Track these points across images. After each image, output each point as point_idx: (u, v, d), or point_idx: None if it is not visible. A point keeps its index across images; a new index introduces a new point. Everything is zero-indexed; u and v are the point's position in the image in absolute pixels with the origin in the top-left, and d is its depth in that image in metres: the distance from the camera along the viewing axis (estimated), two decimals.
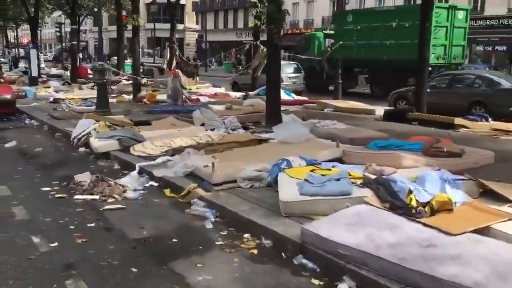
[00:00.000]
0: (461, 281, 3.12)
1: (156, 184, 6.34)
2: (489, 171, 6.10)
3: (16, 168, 7.26)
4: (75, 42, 23.26)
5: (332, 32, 24.06)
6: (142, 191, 6.05)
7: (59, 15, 41.24)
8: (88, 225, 4.87)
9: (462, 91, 13.73)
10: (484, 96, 12.95)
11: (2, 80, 13.91)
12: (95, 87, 18.66)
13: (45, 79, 22.38)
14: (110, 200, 5.70)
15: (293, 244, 4.20)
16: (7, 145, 9.01)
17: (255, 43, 18.34)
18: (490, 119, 11.21)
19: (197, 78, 21.22)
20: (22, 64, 35.77)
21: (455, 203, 4.30)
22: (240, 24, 50.68)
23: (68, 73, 28.30)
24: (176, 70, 18.95)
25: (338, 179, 4.97)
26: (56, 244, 4.33)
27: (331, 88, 20.10)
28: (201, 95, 16.93)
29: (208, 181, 5.90)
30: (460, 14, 19.84)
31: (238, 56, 41.74)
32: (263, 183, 5.81)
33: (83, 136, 8.80)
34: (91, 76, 24.72)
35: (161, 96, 15.26)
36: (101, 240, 4.48)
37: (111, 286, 3.60)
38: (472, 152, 6.69)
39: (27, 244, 4.34)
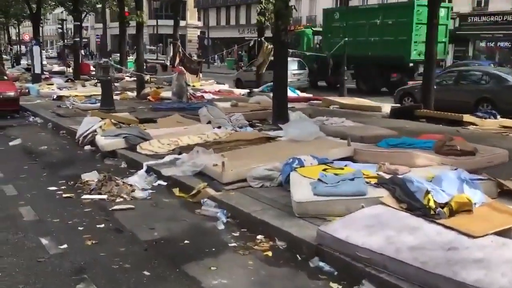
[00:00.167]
0: (486, 286, 3.01)
1: (164, 183, 6.24)
2: (504, 170, 5.99)
3: (21, 166, 7.17)
4: (78, 39, 23.10)
5: (320, 29, 24.45)
6: (151, 191, 5.95)
7: (61, 12, 41.05)
8: (98, 226, 4.77)
9: (469, 88, 13.57)
10: (492, 93, 12.80)
11: (5, 78, 13.74)
12: (98, 84, 18.66)
13: (47, 76, 22.28)
14: (118, 200, 5.60)
15: (308, 246, 4.10)
16: (11, 143, 8.92)
17: (259, 39, 18.19)
18: (498, 116, 11.08)
19: (201, 75, 21.10)
20: (24, 61, 35.70)
21: (475, 203, 4.19)
22: (242, 21, 50.47)
23: (70, 70, 28.24)
24: (179, 67, 18.87)
25: (352, 179, 4.86)
26: (65, 246, 4.24)
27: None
28: (205, 92, 16.78)
29: (218, 180, 5.80)
30: (442, 12, 19.67)
31: (240, 52, 41.54)
32: (274, 183, 5.70)
33: (89, 134, 8.71)
34: (93, 73, 24.77)
35: (166, 93, 15.16)
36: (111, 242, 4.39)
37: None
38: (485, 150, 6.57)
39: (36, 246, 4.24)
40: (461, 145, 6.28)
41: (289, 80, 17.17)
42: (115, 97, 13.70)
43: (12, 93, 12.26)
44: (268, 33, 20.60)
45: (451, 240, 3.62)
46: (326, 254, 3.90)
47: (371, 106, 13.54)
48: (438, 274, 3.19)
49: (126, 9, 22.71)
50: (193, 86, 18.61)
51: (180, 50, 20.20)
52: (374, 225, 3.95)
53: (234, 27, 51.24)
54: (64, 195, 5.73)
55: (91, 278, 3.66)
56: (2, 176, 6.60)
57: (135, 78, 23.06)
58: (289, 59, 20.63)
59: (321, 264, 3.86)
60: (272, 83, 17.42)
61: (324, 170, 5.48)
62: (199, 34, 55.82)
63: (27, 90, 16.41)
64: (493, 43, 30.64)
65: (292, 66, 20.22)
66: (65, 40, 42.43)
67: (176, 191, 5.91)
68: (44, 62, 28.22)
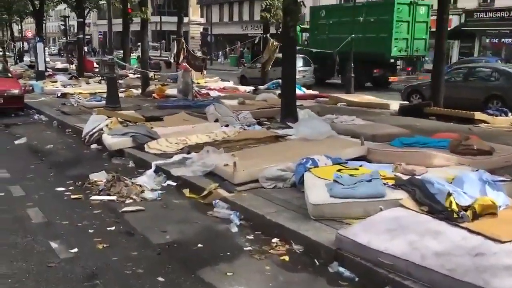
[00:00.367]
0: None
1: (174, 184, 6.11)
2: None
3: (28, 166, 7.05)
4: (81, 36, 22.94)
5: (308, 26, 25.04)
6: (160, 191, 5.82)
7: (64, 8, 40.93)
8: (108, 228, 4.65)
9: (478, 84, 13.39)
10: (502, 90, 12.62)
11: (9, 75, 13.62)
12: (103, 81, 18.53)
13: (50, 73, 22.15)
14: (128, 201, 5.48)
15: (326, 250, 3.97)
16: (17, 141, 8.80)
17: (264, 36, 18.01)
18: (510, 113, 10.92)
19: (205, 72, 20.94)
20: (27, 58, 35.55)
21: (499, 206, 4.05)
22: (246, 17, 50.21)
23: (73, 67, 28.09)
24: (184, 64, 18.72)
25: (369, 180, 4.72)
26: (76, 250, 4.12)
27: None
28: (210, 89, 16.67)
29: (229, 181, 5.67)
30: (422, 10, 20.77)
31: (242, 49, 41.35)
32: (287, 183, 5.57)
33: (95, 132, 8.58)
34: (97, 70, 24.63)
35: (171, 91, 15.02)
36: (123, 245, 4.26)
37: None
38: (502, 149, 6.42)
39: (45, 250, 4.12)
40: (478, 144, 6.13)
41: None
42: (119, 94, 13.55)
43: (16, 91, 12.12)
44: (272, 30, 20.66)
45: (477, 245, 3.49)
46: (346, 259, 3.78)
47: (379, 104, 13.37)
48: (467, 282, 3.06)
49: (128, 5, 22.52)
50: (197, 83, 18.48)
51: (184, 46, 20.04)
52: (395, 229, 3.81)
53: (237, 23, 51.00)
54: (73, 196, 5.61)
55: (104, 284, 3.54)
56: (9, 176, 6.48)
57: (139, 75, 23.02)
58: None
59: (341, 269, 3.73)
60: (277, 80, 17.49)
61: (339, 170, 5.35)
62: (201, 30, 55.62)
63: (31, 88, 16.29)
64: (497, 39, 30.40)
65: (298, 63, 20.06)
66: (68, 37, 42.23)
67: (186, 191, 5.78)
68: (47, 59, 28.10)
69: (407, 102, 13.93)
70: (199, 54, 29.82)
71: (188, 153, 7.10)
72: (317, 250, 4.04)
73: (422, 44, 21.48)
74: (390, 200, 4.45)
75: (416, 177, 4.83)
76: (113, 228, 4.67)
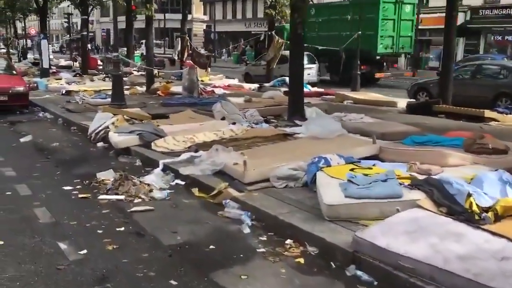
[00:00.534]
0: None
1: (182, 183, 6.00)
2: None
3: (34, 164, 6.95)
4: (85, 33, 22.84)
5: None
6: (169, 191, 5.71)
7: (68, 6, 40.79)
8: (117, 229, 4.55)
9: (487, 82, 13.24)
10: (511, 87, 12.46)
11: (14, 72, 13.53)
12: (107, 79, 18.43)
13: (54, 70, 22.08)
14: (136, 200, 5.38)
15: (343, 252, 3.86)
16: (22, 139, 8.71)
17: (269, 33, 17.86)
18: None
19: (209, 69, 20.81)
20: (30, 55, 35.52)
21: None
22: (249, 14, 50.03)
23: (76, 64, 28.02)
24: (189, 61, 18.59)
25: (385, 180, 4.60)
26: (85, 251, 4.01)
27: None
28: (215, 86, 16.55)
29: (239, 180, 5.56)
30: (408, 8, 21.49)
31: (244, 46, 41.20)
32: (298, 183, 5.46)
33: (101, 130, 8.49)
34: (101, 67, 24.53)
35: (176, 88, 14.92)
36: (133, 246, 4.16)
37: None
38: None
39: (54, 252, 4.02)
40: (493, 143, 5.99)
41: None
42: (124, 92, 13.45)
43: (21, 88, 12.03)
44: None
45: (501, 248, 3.36)
46: (364, 262, 3.66)
47: (386, 101, 13.23)
48: None
49: (132, 2, 22.38)
50: (202, 80, 18.36)
51: (189, 44, 19.91)
52: (415, 231, 3.69)
53: (241, 20, 50.81)
54: (80, 195, 5.50)
55: None
56: (15, 175, 6.38)
57: (143, 73, 22.91)
58: None
59: (359, 273, 3.62)
60: (282, 77, 17.37)
61: (352, 170, 5.23)
62: (204, 28, 55.45)
63: (35, 85, 16.20)
64: (501, 36, 30.18)
65: None
66: (71, 34, 42.16)
67: (195, 191, 5.67)
68: (51, 57, 28.04)
69: (414, 100, 13.77)
70: (202, 51, 29.69)
71: (196, 151, 6.98)
72: (333, 253, 3.93)
73: (408, 41, 22.14)
74: (407, 201, 4.33)
75: (433, 177, 4.71)
76: (123, 228, 4.56)
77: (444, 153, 5.65)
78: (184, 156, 6.78)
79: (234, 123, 8.93)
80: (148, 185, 5.82)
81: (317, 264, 3.85)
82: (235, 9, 52.99)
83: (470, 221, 3.79)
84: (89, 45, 33.78)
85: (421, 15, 29.19)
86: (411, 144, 6.52)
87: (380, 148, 6.32)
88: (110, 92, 12.51)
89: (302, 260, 3.91)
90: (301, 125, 8.88)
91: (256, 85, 17.57)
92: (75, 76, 19.78)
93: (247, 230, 4.53)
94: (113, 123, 8.58)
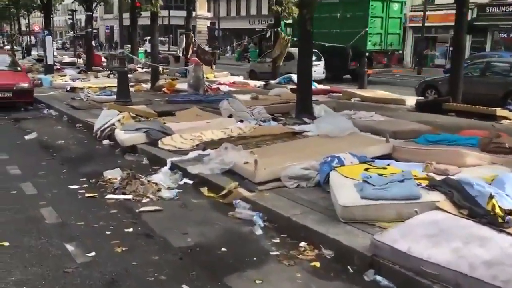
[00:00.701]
0: None
1: (190, 182, 5.87)
2: None
3: (39, 162, 6.83)
4: (90, 29, 22.71)
5: (291, 21, 25.88)
6: (177, 190, 5.58)
7: (72, 2, 40.72)
8: (126, 230, 4.42)
9: (496, 80, 13.03)
10: None
11: (19, 69, 13.41)
12: (111, 76, 18.31)
13: (58, 67, 21.97)
14: (144, 200, 5.25)
15: (360, 256, 3.71)
16: (27, 137, 8.59)
17: (275, 30, 17.68)
18: None
19: (214, 66, 20.67)
20: (34, 52, 35.44)
21: None
22: (253, 11, 49.79)
23: (81, 61, 27.90)
24: (194, 58, 18.46)
25: (402, 181, 4.44)
26: (93, 253, 3.88)
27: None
28: (220, 83, 16.40)
29: (249, 179, 5.42)
30: (396, 6, 22.24)
31: (247, 44, 41.02)
32: (310, 183, 5.32)
33: (107, 128, 8.36)
34: (105, 64, 24.40)
35: (181, 85, 14.78)
36: (142, 248, 4.03)
37: None
38: None
39: (61, 254, 3.89)
40: (510, 142, 5.83)
41: None
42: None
43: (26, 85, 11.91)
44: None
45: None
46: (383, 266, 3.52)
47: (394, 99, 13.05)
48: None
49: None
50: (207, 77, 18.22)
51: (194, 40, 19.76)
52: (436, 234, 3.54)
53: (245, 17, 50.60)
54: (87, 195, 5.38)
55: None
56: (20, 174, 6.26)
57: (147, 69, 22.77)
58: None
59: (378, 278, 3.48)
60: (288, 74, 17.20)
61: (366, 169, 5.08)
62: (208, 25, 55.27)
63: (39, 82, 16.09)
64: (506, 34, 29.88)
65: None
66: (75, 31, 42.06)
67: (204, 190, 5.54)
68: (55, 53, 27.94)
69: (423, 98, 13.58)
70: (207, 48, 29.54)
71: (204, 149, 6.86)
72: (350, 256, 3.79)
73: (396, 38, 22.87)
74: (425, 202, 4.19)
75: (451, 177, 4.56)
76: (131, 229, 4.43)
77: (461, 152, 5.49)
78: (192, 154, 6.66)
79: (241, 121, 8.80)
80: (156, 184, 5.69)
81: (333, 268, 3.72)
82: (239, 6, 52.77)
83: (493, 224, 3.65)
84: (92, 42, 33.68)
85: (427, 12, 28.96)
86: (425, 143, 6.37)
87: (394, 147, 6.16)
88: (115, 89, 12.39)
89: (317, 264, 3.77)
90: (309, 123, 8.75)
91: (261, 82, 17.42)
92: (79, 73, 19.66)
93: (259, 232, 4.40)
94: (119, 121, 8.44)
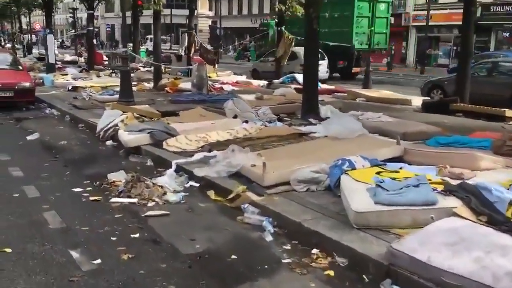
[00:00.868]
0: None
1: (196, 185, 5.74)
2: None
3: (42, 164, 6.70)
4: (91, 28, 22.56)
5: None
6: (183, 193, 5.44)
7: (73, 0, 40.57)
8: (132, 235, 4.28)
9: (503, 80, 12.85)
10: None
11: (20, 67, 13.27)
12: (113, 74, 18.18)
13: (60, 65, 21.83)
14: (150, 204, 5.12)
15: (376, 265, 3.58)
16: (29, 137, 8.46)
17: (279, 29, 17.53)
18: None
19: (217, 65, 20.52)
20: (35, 50, 35.29)
21: None
22: (255, 10, 49.65)
23: (82, 59, 27.77)
24: (196, 57, 18.33)
25: (417, 185, 4.31)
26: (99, 261, 3.75)
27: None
28: (223, 83, 16.26)
29: (257, 182, 5.29)
30: (382, 6, 23.04)
31: (248, 43, 40.88)
32: (320, 186, 5.18)
33: (110, 128, 8.23)
34: (106, 62, 24.25)
35: (184, 85, 14.64)
36: (149, 256, 3.89)
37: None
38: None
39: (66, 261, 3.75)
40: None
41: None
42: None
43: (27, 84, 11.77)
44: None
45: None
46: (401, 276, 3.38)
47: (400, 99, 12.90)
48: None
49: None
50: (209, 77, 18.07)
51: (196, 39, 19.62)
52: (456, 242, 3.41)
53: (247, 16, 50.43)
54: (91, 198, 5.24)
55: None
56: (22, 175, 6.13)
57: (149, 68, 22.63)
58: None
59: None
60: (292, 74, 17.06)
61: (378, 173, 4.95)
62: (210, 24, 55.09)
63: (41, 80, 15.96)
64: (509, 33, 29.72)
65: None
66: (76, 30, 41.91)
67: (211, 194, 5.40)
68: (56, 52, 27.79)
69: (429, 98, 13.43)
70: (209, 47, 29.40)
71: (209, 151, 6.73)
72: (365, 265, 3.65)
73: (382, 37, 23.54)
74: (441, 208, 4.05)
75: (468, 182, 4.42)
76: (137, 235, 4.30)
77: (475, 155, 5.33)
78: (198, 156, 6.52)
79: (246, 121, 8.67)
80: (161, 187, 5.56)
81: (348, 277, 3.58)
82: (241, 5, 52.62)
83: None
84: (94, 41, 33.54)
85: (431, 11, 28.81)
86: (436, 145, 6.23)
87: (405, 150, 6.02)
88: (117, 88, 12.26)
89: (331, 273, 3.64)
90: (316, 124, 8.62)
91: (264, 82, 17.28)
92: (81, 71, 19.52)
93: (269, 238, 4.26)
94: (122, 121, 8.32)
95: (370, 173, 4.91)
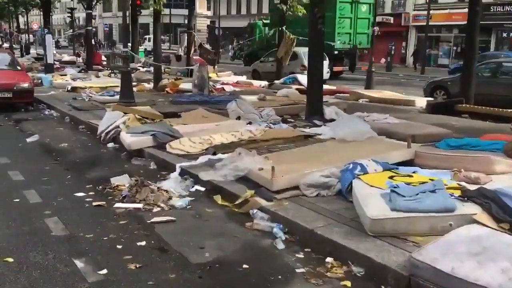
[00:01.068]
0: None
1: (202, 189, 5.58)
2: None
3: (42, 167, 6.53)
4: (90, 28, 22.36)
5: (268, 21, 28.26)
6: (189, 198, 5.28)
7: (70, 0, 40.36)
8: (138, 243, 4.12)
9: (507, 80, 12.72)
10: None
11: (19, 68, 13.07)
12: (112, 75, 18.01)
13: (58, 66, 21.61)
14: (155, 209, 4.95)
15: (395, 275, 3.43)
16: (29, 139, 8.28)
17: (280, 29, 17.38)
18: None
19: (216, 66, 20.36)
20: (33, 50, 35.03)
21: None
22: (254, 10, 49.46)
23: (80, 59, 27.54)
24: (196, 57, 18.14)
25: (433, 191, 4.16)
26: (105, 271, 3.58)
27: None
28: (224, 83, 16.09)
29: (266, 187, 5.13)
30: (364, 7, 23.88)
31: (249, 43, 40.72)
32: (331, 191, 5.03)
33: (112, 130, 8.06)
34: (105, 63, 24.06)
35: (185, 85, 14.47)
36: (158, 265, 3.73)
37: None
38: None
39: (70, 271, 3.59)
40: None
41: None
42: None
43: (26, 84, 11.57)
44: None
45: None
46: None
47: (403, 100, 12.80)
48: None
49: None
50: (209, 77, 17.89)
51: (196, 39, 19.44)
52: (480, 252, 3.26)
53: (245, 16, 50.12)
54: (94, 203, 5.07)
55: None
56: (23, 179, 5.95)
57: (148, 69, 22.44)
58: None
59: None
60: (293, 74, 16.91)
61: (391, 177, 4.81)
62: (208, 23, 54.89)
63: (39, 81, 15.76)
64: (506, 33, 29.63)
65: None
66: (74, 29, 41.67)
67: (218, 198, 5.24)
68: (54, 52, 27.55)
69: (432, 99, 13.29)
70: (208, 47, 29.19)
71: (214, 154, 6.58)
72: (383, 275, 3.50)
73: (364, 37, 24.10)
74: (460, 215, 3.90)
75: (485, 187, 4.27)
76: (144, 243, 4.13)
77: (491, 159, 5.18)
78: (202, 159, 6.38)
79: (250, 123, 8.52)
80: (166, 191, 5.40)
81: None
82: (239, 5, 52.44)
83: None
84: (92, 41, 33.31)
85: (431, 11, 28.69)
86: (446, 148, 6.09)
87: (416, 153, 5.86)
88: (117, 89, 12.09)
89: (349, 283, 3.49)
90: (321, 126, 8.48)
91: (265, 82, 17.12)
92: (80, 72, 19.32)
93: (281, 246, 4.11)
94: (124, 123, 8.15)
95: (382, 178, 4.77)
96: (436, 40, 33.49)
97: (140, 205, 5.03)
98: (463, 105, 10.51)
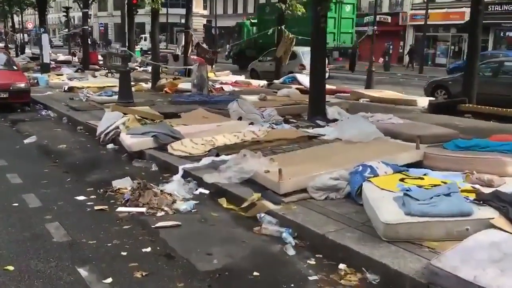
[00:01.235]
0: None
1: (206, 192, 5.44)
2: None
3: (41, 170, 6.36)
4: (87, 27, 22.14)
5: (255, 21, 29.29)
6: (194, 201, 5.14)
7: None
8: (143, 250, 3.97)
9: (508, 80, 12.66)
10: None
11: (15, 68, 12.87)
12: (109, 75, 17.80)
13: (53, 65, 21.37)
14: (159, 213, 4.81)
15: (413, 283, 3.30)
16: (26, 141, 8.10)
17: (278, 28, 17.24)
18: None
19: (214, 65, 20.19)
20: (28, 50, 34.69)
21: None
22: (250, 9, 49.29)
23: (75, 59, 27.29)
24: (195, 56, 18.00)
25: (448, 194, 4.03)
26: (110, 280, 3.44)
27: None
28: (223, 83, 15.95)
29: (272, 190, 4.99)
30: (348, 8, 24.81)
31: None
32: (340, 194, 4.90)
33: (111, 131, 7.90)
34: (101, 62, 23.82)
35: (183, 85, 14.30)
36: (165, 273, 3.58)
37: None
38: None
39: (74, 280, 3.44)
40: None
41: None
42: None
43: (22, 84, 11.37)
44: None
45: None
46: None
47: (404, 100, 12.70)
48: None
49: None
50: (208, 77, 17.72)
51: (193, 39, 19.28)
52: (501, 258, 3.14)
53: (242, 15, 50.01)
54: (96, 208, 4.92)
55: None
56: (22, 183, 5.79)
57: (145, 68, 22.26)
58: (307, 49, 20.22)
59: None
60: (292, 74, 16.78)
61: (401, 180, 4.68)
62: (205, 23, 54.65)
63: (35, 81, 15.55)
64: (503, 32, 29.65)
65: None
66: (69, 29, 41.32)
67: (223, 202, 5.10)
68: (50, 51, 27.25)
69: (433, 98, 13.21)
70: (205, 46, 28.99)
71: (217, 155, 6.43)
72: (400, 283, 3.37)
73: (348, 37, 25.21)
74: (477, 220, 3.78)
75: (501, 190, 4.15)
76: (149, 249, 3.99)
77: (503, 160, 5.06)
78: (205, 161, 6.21)
79: (251, 124, 8.38)
80: (170, 195, 5.26)
81: None
82: (236, 3, 52.25)
83: None
84: (88, 40, 33.00)
85: (429, 11, 28.65)
86: (455, 149, 5.97)
87: (425, 154, 5.74)
88: (115, 89, 11.92)
89: None
90: (323, 126, 8.36)
91: (264, 82, 17.00)
92: (76, 71, 19.10)
93: (291, 252, 3.97)
94: (123, 124, 7.99)
95: (393, 180, 4.65)
96: (433, 40, 33.47)
97: (143, 209, 4.88)
98: (466, 104, 10.40)
